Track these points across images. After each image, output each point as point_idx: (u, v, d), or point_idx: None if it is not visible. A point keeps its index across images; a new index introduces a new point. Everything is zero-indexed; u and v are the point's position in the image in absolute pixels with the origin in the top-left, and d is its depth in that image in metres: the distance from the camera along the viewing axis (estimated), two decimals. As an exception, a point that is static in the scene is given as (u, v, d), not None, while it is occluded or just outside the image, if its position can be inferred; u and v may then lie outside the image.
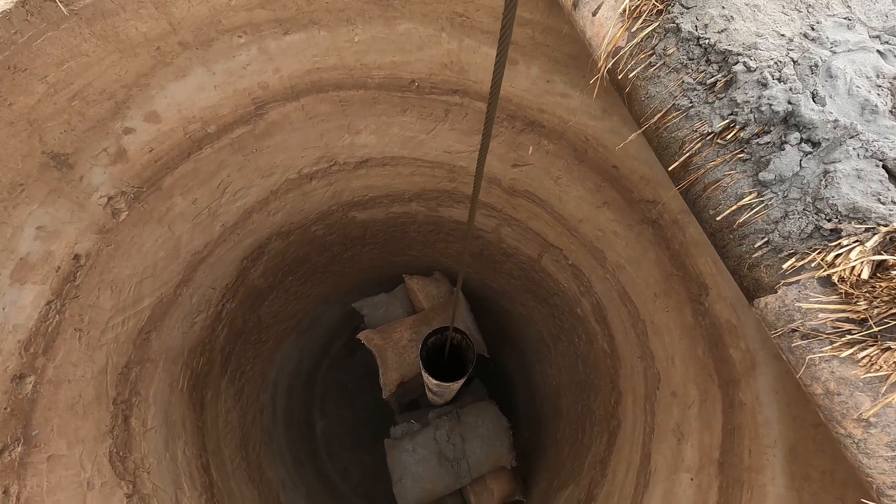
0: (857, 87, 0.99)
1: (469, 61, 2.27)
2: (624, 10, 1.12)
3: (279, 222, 3.35)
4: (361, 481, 5.64)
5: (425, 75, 2.41)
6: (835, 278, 0.89)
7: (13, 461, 1.85)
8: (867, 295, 0.85)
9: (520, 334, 5.10)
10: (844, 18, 1.07)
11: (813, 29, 1.04)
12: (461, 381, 2.27)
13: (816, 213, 0.92)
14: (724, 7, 1.05)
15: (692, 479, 2.17)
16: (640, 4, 1.09)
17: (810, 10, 1.07)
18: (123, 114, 1.99)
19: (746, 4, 1.05)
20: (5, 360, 1.88)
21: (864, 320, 0.88)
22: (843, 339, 0.89)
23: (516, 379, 5.76)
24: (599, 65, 1.25)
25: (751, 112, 0.98)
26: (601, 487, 3.04)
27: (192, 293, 3.03)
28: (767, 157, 0.97)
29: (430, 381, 2.22)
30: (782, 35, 1.03)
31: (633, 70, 1.13)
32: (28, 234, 1.89)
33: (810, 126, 0.94)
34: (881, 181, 0.90)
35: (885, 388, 0.87)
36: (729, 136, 1.01)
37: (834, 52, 1.03)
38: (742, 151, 1.00)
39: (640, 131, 1.19)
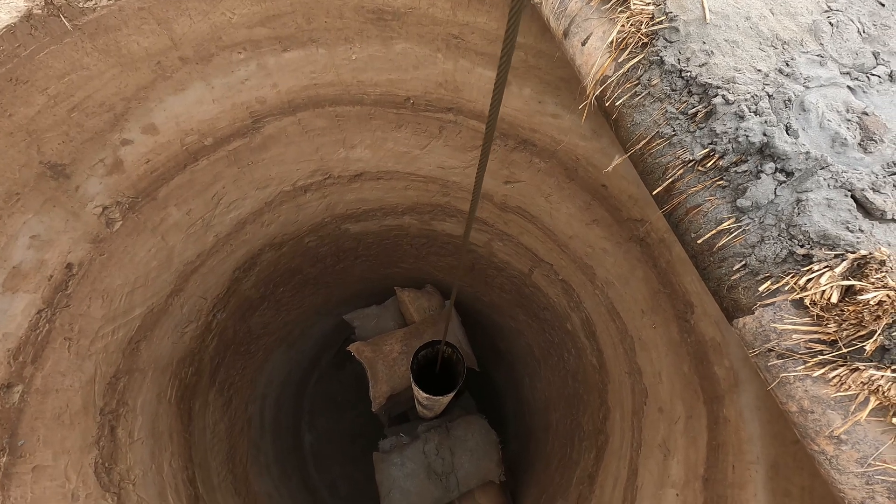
0: (829, 120, 1.05)
1: (464, 81, 2.33)
2: (611, 42, 1.18)
3: (272, 233, 3.37)
4: (349, 495, 5.58)
5: (420, 93, 2.47)
6: (807, 301, 0.93)
7: (-2, 471, 1.84)
8: (836, 318, 0.89)
9: (510, 348, 5.13)
10: (817, 55, 1.14)
11: (787, 65, 1.10)
12: (451, 395, 2.29)
13: (790, 239, 0.97)
14: (704, 42, 1.11)
15: (678, 495, 2.20)
16: (626, 37, 1.15)
17: (785, 46, 1.14)
18: (122, 126, 2.01)
19: (726, 40, 1.11)
20: (-7, 369, 1.87)
21: (835, 341, 0.93)
22: (814, 359, 0.94)
23: (506, 393, 5.77)
24: (588, 92, 1.30)
25: (729, 142, 1.04)
26: (589, 502, 3.05)
27: (182, 303, 3.02)
28: (745, 184, 1.03)
29: (420, 395, 2.24)
30: (759, 70, 1.09)
31: (620, 98, 1.18)
32: (22, 242, 1.89)
33: (784, 157, 1.00)
34: (850, 210, 0.95)
35: (853, 406, 0.91)
36: (709, 164, 1.06)
37: (807, 88, 1.09)
38: (721, 179, 1.06)
39: (626, 156, 1.24)
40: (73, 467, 2.20)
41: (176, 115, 2.15)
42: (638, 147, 1.17)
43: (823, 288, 0.89)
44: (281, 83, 2.30)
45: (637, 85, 1.13)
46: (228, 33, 1.97)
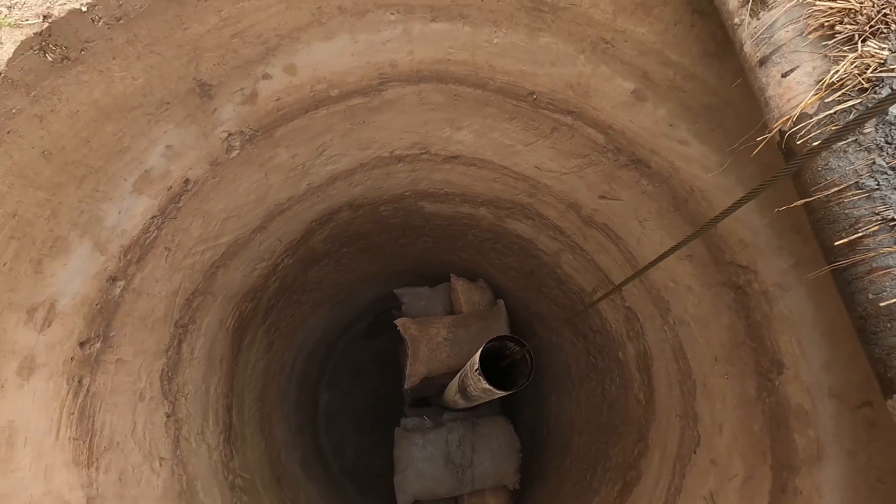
0: None
1: (597, 87, 2.29)
2: (822, 80, 1.13)
3: (355, 195, 3.43)
4: (352, 461, 5.67)
5: (547, 90, 2.44)
6: None
7: (91, 355, 1.95)
8: None
9: (544, 362, 5.07)
10: None
11: None
12: (508, 393, 2.28)
13: None
14: (932, 100, 1.05)
15: (717, 552, 2.13)
16: (844, 78, 1.09)
17: None
18: (268, 60, 2.08)
19: (956, 103, 1.05)
20: (108, 261, 1.98)
21: None
22: None
23: (525, 402, 5.71)
24: (774, 125, 1.26)
25: (944, 209, 0.98)
26: (606, 534, 3.00)
27: (262, 241, 3.12)
28: (949, 257, 0.97)
29: (481, 384, 2.24)
30: None
31: (817, 139, 1.13)
32: (158, 150, 1.99)
33: None
34: None
35: None
36: (910, 227, 1.01)
37: None
38: (921, 245, 1.00)
39: (803, 200, 1.19)
40: (145, 369, 2.32)
41: (316, 61, 2.20)
42: (826, 193, 1.12)
43: None
44: (417, 52, 2.33)
45: (842, 129, 1.08)
46: (390, -7, 2.00)
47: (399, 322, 3.85)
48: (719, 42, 1.80)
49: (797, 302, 1.99)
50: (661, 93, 2.11)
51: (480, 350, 2.23)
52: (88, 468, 1.83)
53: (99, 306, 1.98)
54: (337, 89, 2.42)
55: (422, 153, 3.15)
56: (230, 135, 2.27)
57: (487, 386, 2.17)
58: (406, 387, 3.82)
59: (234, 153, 2.37)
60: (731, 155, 1.93)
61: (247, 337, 3.56)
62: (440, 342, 3.71)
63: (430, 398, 4.89)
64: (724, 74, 1.88)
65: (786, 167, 1.06)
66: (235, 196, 2.57)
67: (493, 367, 2.34)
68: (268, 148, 2.51)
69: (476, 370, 2.26)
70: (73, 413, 1.81)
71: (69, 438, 1.77)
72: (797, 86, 1.19)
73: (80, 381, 1.88)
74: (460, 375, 2.96)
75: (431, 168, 3.33)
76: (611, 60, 2.13)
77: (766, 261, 2.10)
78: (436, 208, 3.92)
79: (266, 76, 2.15)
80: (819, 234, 1.17)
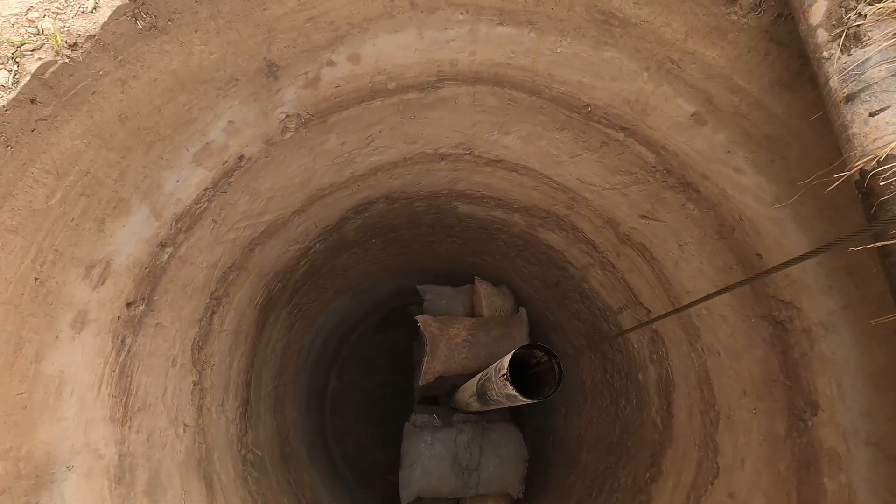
0: None
1: (655, 106, 2.28)
2: (915, 123, 1.11)
3: (394, 188, 3.46)
4: (353, 449, 5.71)
5: (603, 104, 2.44)
6: None
7: (135, 316, 2.00)
8: None
9: (557, 374, 5.04)
10: None
11: None
12: (532, 401, 2.28)
13: None
14: None
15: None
16: (941, 123, 1.07)
17: None
18: (335, 47, 2.11)
19: None
20: (161, 227, 2.03)
21: None
22: None
23: (532, 414, 5.69)
24: (855, 164, 1.24)
25: None
26: (609, 555, 2.97)
27: (299, 223, 3.17)
28: None
29: (507, 389, 2.24)
30: None
31: (903, 182, 1.11)
32: (220, 124, 2.03)
33: None
34: None
35: None
36: None
37: None
38: None
39: (881, 243, 1.17)
40: (179, 336, 2.37)
41: (380, 52, 2.23)
42: (908, 237, 1.10)
43: None
44: (479, 53, 2.34)
45: (932, 175, 1.06)
46: (463, -7, 2.01)
47: (420, 318, 3.86)
48: (794, 73, 1.77)
49: (841, 344, 1.95)
50: (723, 118, 2.09)
51: (510, 355, 2.23)
52: (122, 426, 1.88)
53: (147, 270, 2.03)
54: (395, 82, 2.45)
55: (465, 154, 3.16)
56: (287, 116, 2.30)
57: (513, 392, 2.16)
58: (420, 383, 3.83)
59: (289, 135, 2.40)
60: (796, 188, 1.90)
61: (271, 316, 3.61)
62: (459, 343, 3.72)
63: (439, 397, 4.90)
64: (793, 106, 1.86)
65: (875, 224, 1.05)
66: (283, 177, 2.62)
67: (517, 374, 2.34)
68: (320, 133, 2.54)
69: (503, 375, 2.26)
70: (114, 371, 1.86)
71: (109, 395, 1.82)
72: (886, 126, 1.17)
73: (122, 341, 1.93)
74: (480, 378, 2.96)
75: (472, 169, 3.34)
76: (675, 81, 2.12)
77: (813, 299, 2.06)
78: (469, 209, 3.93)
79: (330, 63, 2.18)
80: (893, 279, 1.15)
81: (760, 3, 1.73)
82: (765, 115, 1.95)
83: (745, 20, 1.77)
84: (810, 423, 2.06)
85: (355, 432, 5.83)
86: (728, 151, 2.18)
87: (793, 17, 1.65)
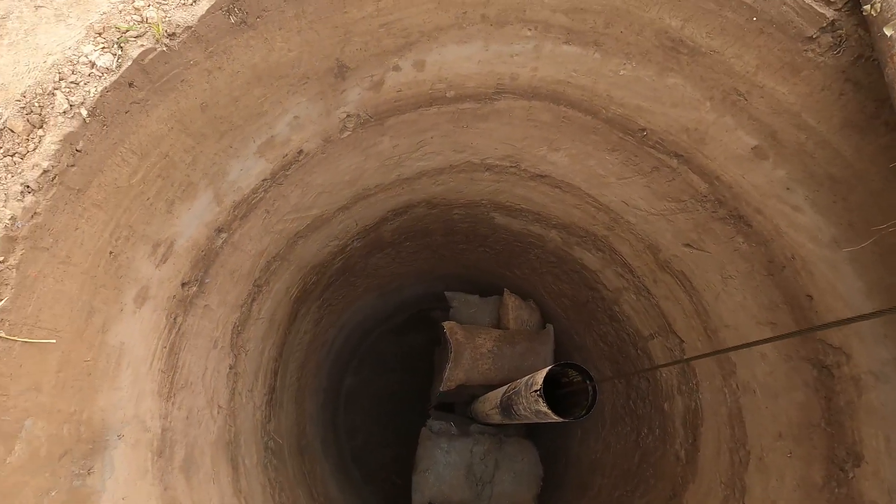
0: None
1: (714, 136, 2.26)
2: None
3: (436, 194, 3.50)
4: (362, 446, 5.74)
5: (661, 130, 2.43)
6: None
7: (188, 297, 2.07)
8: None
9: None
10: None
11: None
12: (562, 420, 2.27)
13: None
14: None
15: None
16: None
17: None
18: (403, 54, 2.16)
19: None
20: (220, 213, 2.10)
21: None
22: None
23: (545, 433, 5.63)
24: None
25: None
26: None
27: (342, 220, 3.23)
28: None
29: (539, 406, 2.23)
30: None
31: None
32: (286, 119, 2.10)
33: None
34: None
35: None
36: None
37: None
38: None
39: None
40: (223, 319, 2.44)
41: (444, 61, 2.27)
42: None
43: None
44: (541, 69, 2.36)
45: None
46: (534, 9, 2.04)
47: (447, 325, 3.88)
48: (868, 116, 1.74)
49: (893, 396, 1.89)
50: (786, 154, 2.06)
51: (546, 370, 2.22)
52: (167, 401, 1.93)
53: (203, 253, 2.10)
54: (454, 91, 2.48)
55: (511, 166, 3.18)
56: (348, 116, 2.36)
57: (545, 409, 2.16)
58: (441, 389, 3.84)
59: (346, 134, 2.46)
60: (856, 232, 1.86)
61: (303, 308, 3.68)
62: (484, 353, 3.72)
63: (455, 405, 4.90)
64: (863, 149, 1.82)
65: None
66: (334, 174, 2.67)
67: (547, 391, 2.33)
68: (375, 135, 2.60)
69: (535, 391, 2.25)
70: (165, 347, 1.93)
71: (159, 370, 1.88)
72: (978, 180, 1.15)
73: (175, 319, 1.99)
74: (507, 391, 2.95)
75: (515, 182, 3.36)
76: (739, 113, 2.10)
77: (865, 347, 2.01)
78: (506, 221, 3.94)
79: (396, 67, 2.23)
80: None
81: (840, 42, 1.71)
82: (831, 155, 1.91)
83: (823, 58, 1.75)
84: (851, 475, 2.00)
85: (364, 431, 5.86)
86: (787, 188, 2.15)
87: (875, 60, 1.62)
